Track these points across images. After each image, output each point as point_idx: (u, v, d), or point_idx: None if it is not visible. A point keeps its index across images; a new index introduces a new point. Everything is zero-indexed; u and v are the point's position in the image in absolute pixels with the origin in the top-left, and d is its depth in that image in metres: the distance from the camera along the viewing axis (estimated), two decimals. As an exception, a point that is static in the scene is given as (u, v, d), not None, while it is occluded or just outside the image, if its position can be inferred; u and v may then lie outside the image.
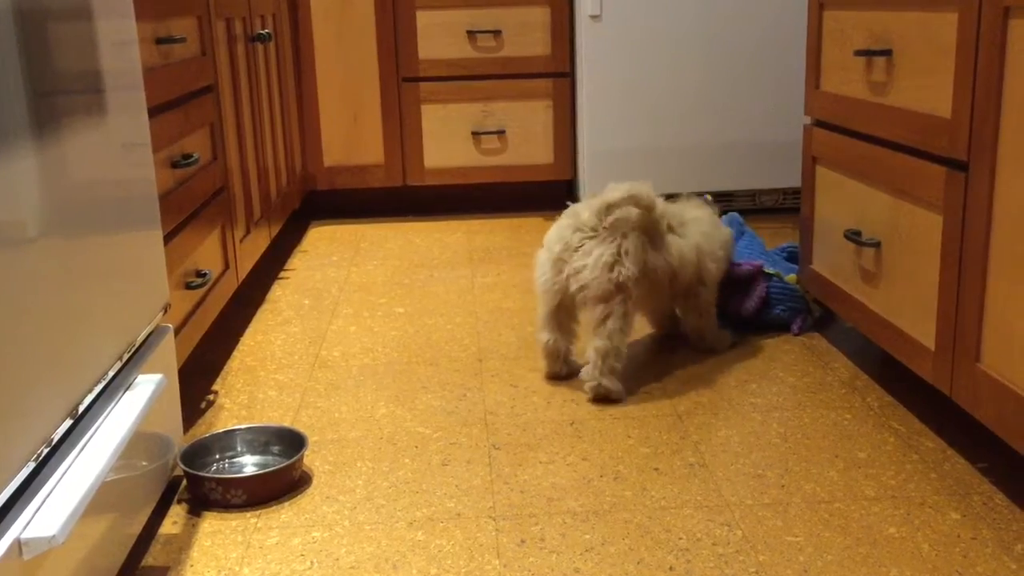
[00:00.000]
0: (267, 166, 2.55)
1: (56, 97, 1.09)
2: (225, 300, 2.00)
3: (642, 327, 2.14)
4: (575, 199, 3.31)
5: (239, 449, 1.59)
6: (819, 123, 1.99)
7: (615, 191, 1.77)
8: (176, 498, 1.49)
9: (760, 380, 1.87)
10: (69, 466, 1.04)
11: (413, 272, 2.65)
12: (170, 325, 1.50)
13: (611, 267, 1.74)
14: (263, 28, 2.62)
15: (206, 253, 1.90)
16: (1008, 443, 1.34)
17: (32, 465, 0.98)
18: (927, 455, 1.56)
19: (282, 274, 2.67)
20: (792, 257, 2.27)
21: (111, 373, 1.22)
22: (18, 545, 0.91)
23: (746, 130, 3.08)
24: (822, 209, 1.98)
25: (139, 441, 1.29)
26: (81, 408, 1.12)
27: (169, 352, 1.47)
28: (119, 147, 1.30)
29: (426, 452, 1.61)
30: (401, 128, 3.20)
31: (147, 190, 1.41)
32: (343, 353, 2.06)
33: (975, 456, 1.55)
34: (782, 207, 3.19)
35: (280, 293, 2.50)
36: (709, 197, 2.16)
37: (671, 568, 1.27)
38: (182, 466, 1.48)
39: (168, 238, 1.64)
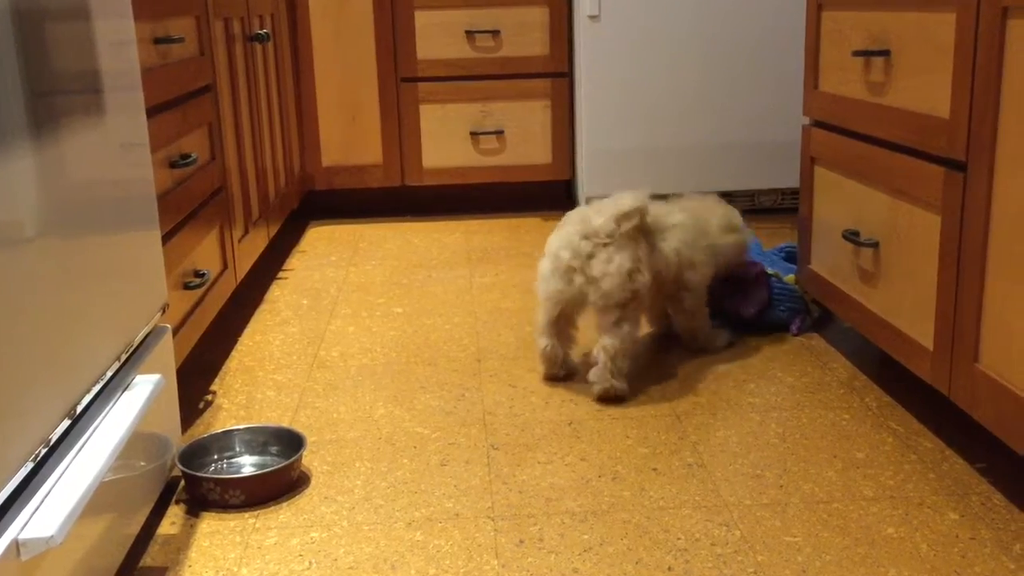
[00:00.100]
0: (265, 166, 2.55)
1: (54, 97, 1.09)
2: (223, 300, 2.00)
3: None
4: (573, 199, 3.31)
5: (237, 449, 1.59)
6: (817, 123, 1.99)
7: (626, 199, 1.77)
8: (174, 498, 1.49)
9: (758, 380, 1.87)
10: (67, 466, 1.04)
11: (411, 272, 2.65)
12: (168, 325, 1.50)
13: (631, 275, 1.75)
14: (261, 28, 2.62)
15: (204, 253, 1.90)
16: (1006, 443, 1.34)
17: (30, 465, 0.98)
18: (925, 455, 1.56)
19: (280, 274, 2.67)
20: (790, 257, 2.27)
21: (109, 373, 1.22)
22: (16, 546, 0.91)
23: (744, 130, 3.08)
24: (820, 209, 1.98)
25: (137, 441, 1.29)
26: (79, 408, 1.12)
27: (167, 352, 1.46)
28: (117, 147, 1.30)
29: (424, 452, 1.61)
30: (399, 128, 3.19)
31: (145, 190, 1.41)
32: (341, 353, 2.06)
33: (973, 456, 1.55)
34: (780, 207, 3.19)
35: (278, 293, 2.50)
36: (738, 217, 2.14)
37: (669, 568, 1.27)
38: (180, 466, 1.47)
39: (166, 238, 1.64)
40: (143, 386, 1.27)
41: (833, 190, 1.91)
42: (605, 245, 1.76)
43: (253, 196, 2.39)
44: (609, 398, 1.77)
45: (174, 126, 1.73)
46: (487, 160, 3.23)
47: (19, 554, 0.91)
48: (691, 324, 1.99)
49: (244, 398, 1.84)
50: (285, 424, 1.72)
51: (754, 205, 3.19)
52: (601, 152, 3.08)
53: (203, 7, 1.98)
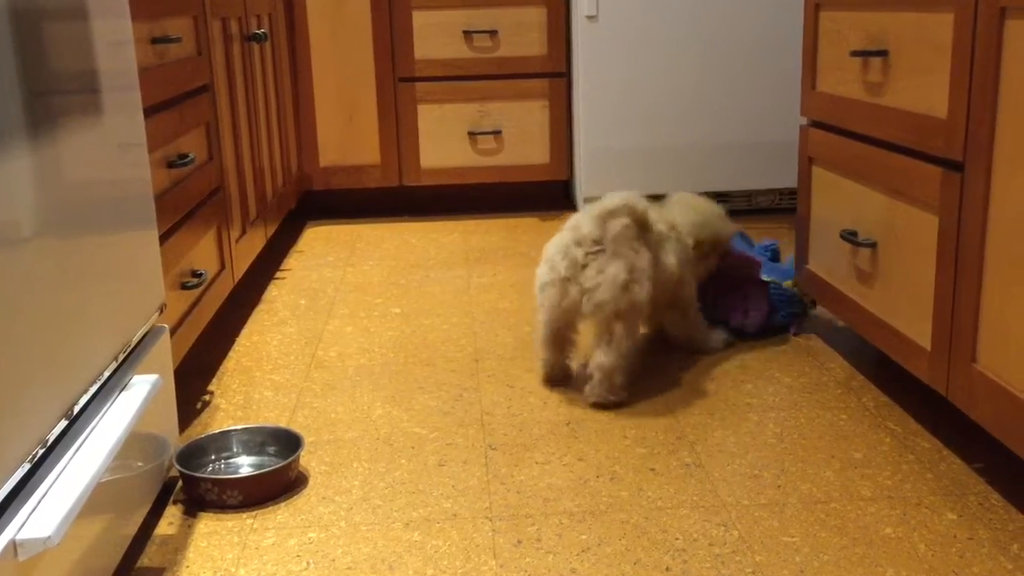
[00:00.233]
0: (263, 166, 2.55)
1: (51, 97, 1.09)
2: (221, 300, 2.00)
3: (638, 327, 2.13)
4: (571, 199, 3.31)
5: (235, 450, 1.59)
6: (815, 123, 1.99)
7: (613, 198, 1.74)
8: (172, 499, 1.49)
9: (756, 380, 1.87)
10: (64, 467, 1.04)
11: (409, 272, 2.65)
12: (166, 325, 1.49)
13: (627, 286, 1.69)
14: (259, 28, 2.62)
15: (202, 253, 1.90)
16: (1004, 443, 1.34)
17: (27, 466, 0.98)
18: (923, 455, 1.56)
19: (278, 274, 2.67)
20: (776, 256, 2.25)
21: (106, 374, 1.22)
22: (13, 546, 0.91)
23: (742, 130, 3.08)
24: (818, 209, 1.98)
25: (135, 442, 1.28)
26: (76, 409, 1.11)
27: (165, 352, 1.46)
28: (115, 147, 1.29)
29: (422, 453, 1.61)
30: (397, 128, 3.19)
31: (143, 190, 1.41)
32: (339, 353, 2.06)
33: (971, 456, 1.55)
34: (778, 207, 3.20)
35: (276, 293, 2.50)
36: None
37: (668, 568, 1.27)
38: (178, 467, 1.47)
39: (164, 238, 1.64)
40: (140, 386, 1.27)
41: (831, 190, 1.91)
42: (598, 253, 1.71)
43: (251, 196, 2.39)
44: (607, 407, 1.76)
45: (171, 126, 1.73)
46: (485, 160, 3.23)
47: (16, 554, 0.91)
48: (688, 329, 1.98)
49: (242, 398, 1.84)
50: (283, 424, 1.72)
51: (751, 205, 3.19)
52: (599, 152, 3.08)
53: (200, 7, 1.98)
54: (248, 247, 2.30)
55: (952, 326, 1.45)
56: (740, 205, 3.19)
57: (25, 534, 0.92)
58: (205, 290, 1.88)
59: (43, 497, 0.98)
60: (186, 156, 1.75)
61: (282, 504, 1.46)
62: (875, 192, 1.72)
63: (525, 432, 1.67)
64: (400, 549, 1.33)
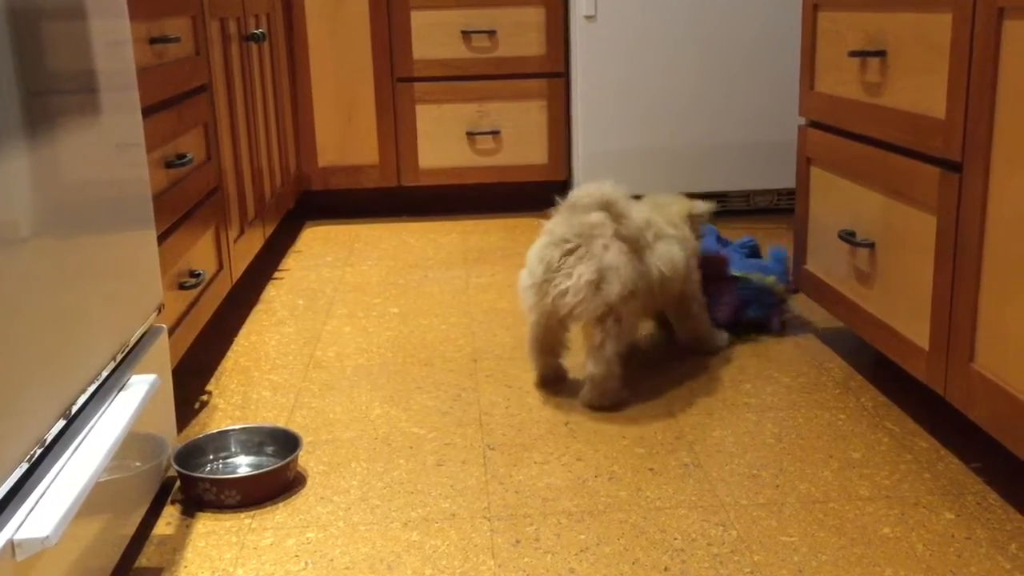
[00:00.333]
0: (261, 166, 2.55)
1: (49, 97, 1.08)
2: (219, 300, 2.00)
3: (637, 327, 2.13)
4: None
5: (233, 450, 1.59)
6: (813, 124, 1.99)
7: (582, 190, 1.69)
8: (170, 499, 1.48)
9: (754, 380, 1.87)
10: (62, 467, 1.04)
11: (408, 272, 2.65)
12: (164, 325, 1.49)
13: (596, 286, 1.65)
14: (257, 28, 2.62)
15: (200, 253, 1.90)
16: (1002, 443, 1.34)
17: (25, 466, 0.98)
18: (921, 455, 1.56)
19: (276, 274, 2.67)
20: (754, 252, 2.22)
21: (104, 374, 1.22)
22: (11, 546, 0.91)
23: (740, 131, 3.08)
24: (816, 210, 1.98)
25: (133, 442, 1.28)
26: (74, 409, 1.11)
27: (163, 352, 1.46)
28: (113, 147, 1.29)
29: (421, 452, 1.61)
30: (395, 128, 3.19)
31: (141, 190, 1.41)
32: (337, 353, 2.06)
33: (969, 456, 1.55)
34: (776, 208, 3.20)
35: (274, 293, 2.50)
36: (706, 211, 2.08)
37: (666, 568, 1.27)
38: (176, 467, 1.47)
39: (162, 238, 1.64)
40: (139, 386, 1.27)
41: (829, 190, 1.91)
42: (570, 252, 1.66)
43: (249, 196, 2.39)
44: (603, 410, 1.76)
45: (170, 126, 1.73)
46: (483, 160, 3.23)
47: (14, 554, 0.91)
48: (695, 327, 1.98)
49: (240, 398, 1.84)
50: (281, 424, 1.72)
51: (750, 206, 3.19)
52: (597, 152, 3.08)
53: (199, 7, 1.98)
54: (246, 247, 2.30)
55: (950, 326, 1.45)
56: (739, 205, 3.19)
57: (23, 534, 0.92)
58: (203, 290, 1.88)
59: (41, 497, 0.98)
60: (184, 156, 1.74)
61: (280, 504, 1.46)
62: (873, 192, 1.72)
63: (523, 432, 1.67)
64: (398, 549, 1.33)
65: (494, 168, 3.23)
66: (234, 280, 2.16)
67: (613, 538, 1.34)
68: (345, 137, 3.20)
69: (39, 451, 1.01)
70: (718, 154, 3.10)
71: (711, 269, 2.04)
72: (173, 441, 1.50)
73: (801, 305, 2.27)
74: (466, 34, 3.13)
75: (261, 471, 1.47)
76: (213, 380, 1.94)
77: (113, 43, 1.32)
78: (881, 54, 1.64)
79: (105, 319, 1.22)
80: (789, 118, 3.07)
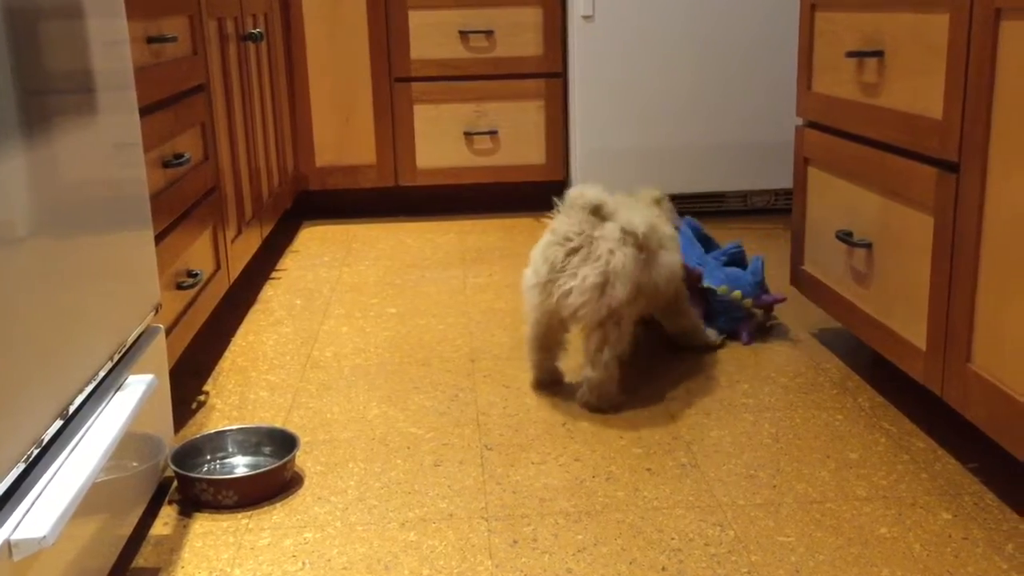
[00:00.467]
0: (259, 166, 2.55)
1: (46, 96, 1.08)
2: (216, 300, 2.00)
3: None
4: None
5: (230, 450, 1.59)
6: (811, 124, 1.99)
7: (580, 189, 1.70)
8: (167, 499, 1.48)
9: (752, 381, 1.87)
10: (59, 467, 1.04)
11: (405, 272, 2.65)
12: (161, 325, 1.49)
13: (602, 289, 1.64)
14: (255, 27, 2.61)
15: (197, 253, 1.90)
16: (999, 443, 1.34)
17: (22, 466, 0.98)
18: (918, 455, 1.56)
19: (274, 274, 2.67)
20: (733, 260, 2.17)
21: (102, 374, 1.22)
22: (8, 546, 0.91)
23: (738, 131, 3.09)
24: (813, 210, 1.98)
25: (130, 442, 1.28)
26: (71, 409, 1.11)
27: (160, 352, 1.46)
28: (110, 147, 1.29)
29: (418, 453, 1.61)
30: (393, 128, 3.19)
31: (138, 190, 1.41)
32: (335, 353, 2.06)
33: (966, 456, 1.55)
34: (774, 208, 3.20)
35: (272, 293, 2.49)
36: (659, 195, 2.05)
37: (663, 568, 1.27)
38: (173, 467, 1.47)
39: (159, 238, 1.63)
40: (136, 386, 1.27)
41: (826, 191, 1.92)
42: (573, 252, 1.66)
43: (246, 196, 2.39)
44: (600, 412, 1.75)
45: (167, 126, 1.73)
46: (481, 160, 3.23)
47: (11, 555, 0.91)
48: (683, 323, 1.98)
49: (237, 398, 1.84)
50: (278, 424, 1.72)
51: (747, 206, 3.20)
52: (595, 152, 3.08)
53: (196, 6, 1.98)
54: (244, 247, 2.30)
55: (947, 326, 1.46)
56: (736, 206, 3.19)
57: (20, 534, 0.92)
58: (200, 290, 1.88)
59: (38, 497, 0.98)
60: (182, 156, 1.74)
61: (278, 504, 1.46)
62: (870, 193, 1.72)
63: (521, 432, 1.67)
64: (396, 549, 1.33)
65: (492, 168, 3.23)
66: (231, 280, 2.16)
67: (610, 538, 1.34)
68: (342, 137, 3.20)
69: (36, 451, 1.01)
70: (716, 154, 3.10)
71: (686, 280, 2.01)
72: (170, 441, 1.50)
73: (799, 305, 2.27)
74: (464, 34, 3.13)
75: (258, 471, 1.47)
76: (210, 380, 1.94)
77: (110, 42, 1.32)
78: (878, 54, 1.64)
79: (102, 319, 1.22)
80: (786, 118, 3.07)
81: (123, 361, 1.32)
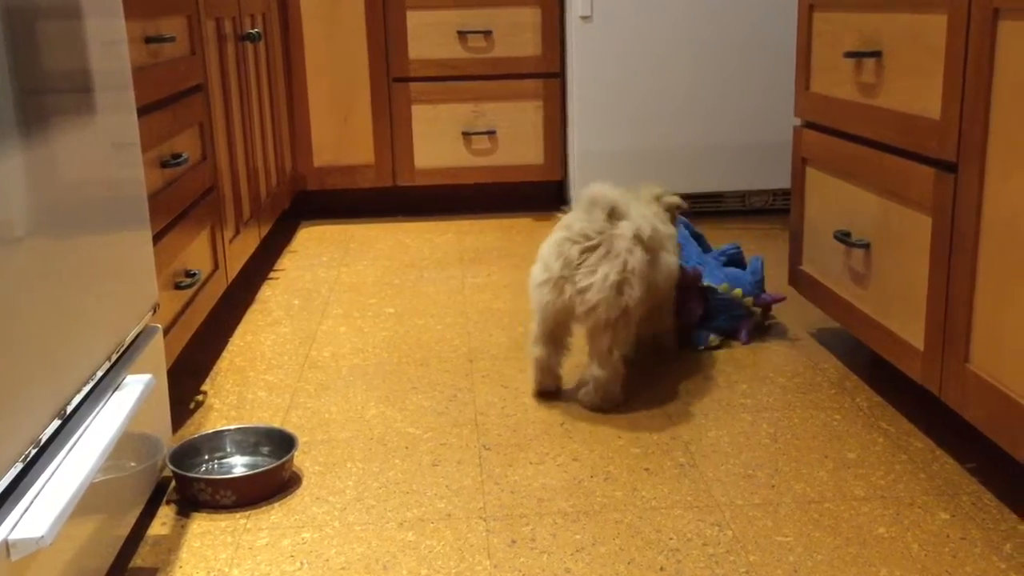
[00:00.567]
0: (257, 166, 2.55)
1: (44, 96, 1.08)
2: (214, 300, 2.00)
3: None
4: (565, 200, 3.31)
5: (228, 450, 1.59)
6: (809, 124, 1.99)
7: (599, 188, 1.70)
8: (165, 499, 1.48)
9: (750, 381, 1.87)
10: (57, 467, 1.04)
11: (403, 272, 2.64)
12: (159, 325, 1.49)
13: (619, 288, 1.64)
14: (253, 27, 2.61)
15: (195, 253, 1.89)
16: (997, 443, 1.34)
17: (20, 466, 0.97)
18: (916, 455, 1.56)
19: (272, 274, 2.67)
20: (732, 261, 2.18)
21: (99, 373, 1.21)
22: (6, 546, 0.91)
23: (736, 131, 3.09)
24: (811, 210, 1.98)
25: (128, 442, 1.28)
26: (69, 409, 1.11)
27: (158, 352, 1.46)
28: (108, 146, 1.29)
29: (416, 453, 1.61)
30: (391, 128, 3.19)
31: (136, 190, 1.41)
32: (333, 353, 2.06)
33: (964, 456, 1.55)
34: (772, 208, 3.20)
35: (270, 293, 2.49)
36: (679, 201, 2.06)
37: (662, 568, 1.27)
38: (171, 467, 1.47)
39: (157, 238, 1.63)
40: (134, 386, 1.26)
41: (824, 191, 1.92)
42: (592, 249, 1.66)
43: (244, 196, 2.39)
44: (602, 411, 1.75)
45: (165, 125, 1.73)
46: (479, 160, 3.23)
47: (9, 554, 0.91)
48: (658, 327, 1.97)
49: (235, 398, 1.84)
50: (276, 424, 1.72)
51: (745, 206, 3.20)
52: (593, 152, 3.08)
53: (194, 6, 1.98)
54: (242, 247, 2.30)
55: (945, 326, 1.46)
56: (734, 206, 3.19)
57: (18, 534, 0.92)
58: (199, 290, 1.88)
59: (36, 497, 0.98)
60: (180, 156, 1.74)
61: (276, 504, 1.46)
62: (868, 193, 1.72)
63: (519, 432, 1.67)
64: (394, 549, 1.33)
65: (490, 168, 3.23)
66: (229, 280, 2.16)
67: (609, 538, 1.34)
68: (341, 137, 3.20)
69: (34, 451, 1.01)
70: (714, 154, 3.10)
71: (683, 281, 2.01)
72: (168, 441, 1.49)
73: (797, 305, 2.27)
74: (462, 34, 3.13)
75: (256, 471, 1.47)
76: (208, 380, 1.94)
77: (108, 42, 1.32)
78: (876, 55, 1.64)
79: (100, 319, 1.22)
80: (784, 119, 3.07)
81: (121, 361, 1.31)
